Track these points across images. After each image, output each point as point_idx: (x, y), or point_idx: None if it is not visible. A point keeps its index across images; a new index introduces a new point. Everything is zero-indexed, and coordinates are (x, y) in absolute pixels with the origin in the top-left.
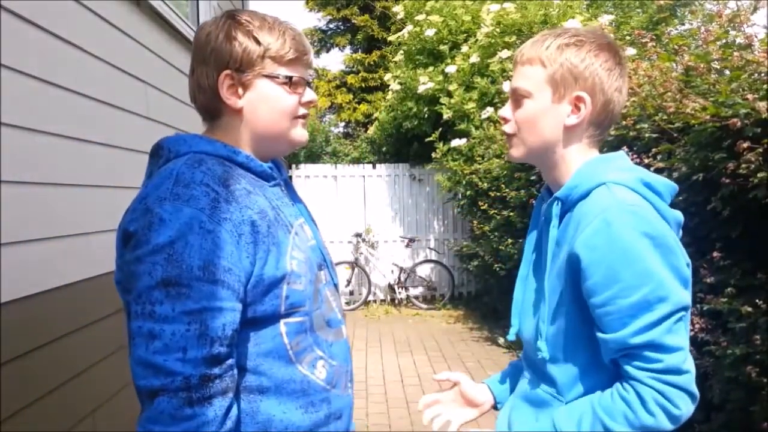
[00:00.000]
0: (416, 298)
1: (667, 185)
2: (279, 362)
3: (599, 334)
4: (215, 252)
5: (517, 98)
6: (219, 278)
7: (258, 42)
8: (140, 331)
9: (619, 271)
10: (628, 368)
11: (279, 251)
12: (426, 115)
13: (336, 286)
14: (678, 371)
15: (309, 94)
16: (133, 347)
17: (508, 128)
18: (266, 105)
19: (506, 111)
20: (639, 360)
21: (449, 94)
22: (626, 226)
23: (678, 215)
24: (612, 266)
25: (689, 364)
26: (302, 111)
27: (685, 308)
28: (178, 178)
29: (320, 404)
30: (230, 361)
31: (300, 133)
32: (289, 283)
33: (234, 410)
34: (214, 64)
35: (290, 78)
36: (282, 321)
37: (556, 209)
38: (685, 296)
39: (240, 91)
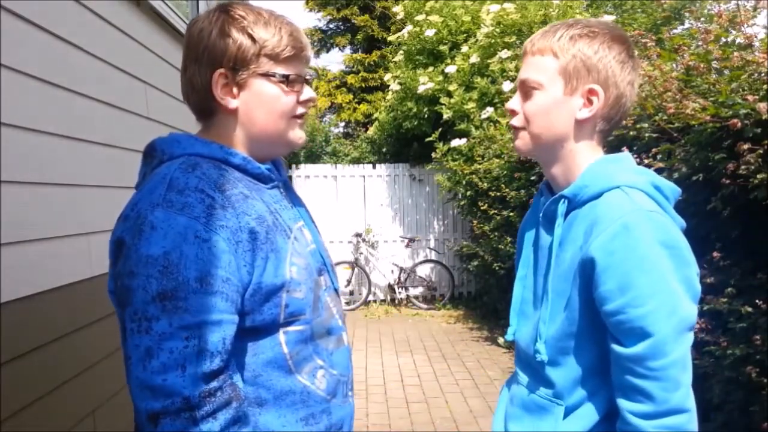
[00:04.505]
0: (416, 298)
1: (672, 189)
2: (278, 372)
3: (615, 347)
4: (212, 262)
5: (527, 90)
6: (217, 289)
7: (253, 39)
8: (137, 350)
9: (635, 277)
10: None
11: (278, 258)
12: (426, 115)
13: (336, 290)
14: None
15: (307, 92)
16: (130, 366)
17: (516, 121)
18: (262, 105)
19: (514, 103)
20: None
21: (449, 94)
22: (645, 233)
23: (681, 221)
24: (628, 273)
25: (691, 402)
26: (300, 110)
27: (690, 327)
28: (171, 184)
29: (321, 416)
30: (229, 371)
31: (298, 135)
32: (289, 291)
33: (242, 418)
34: (207, 63)
35: (287, 76)
36: (281, 330)
37: (561, 207)
38: (693, 311)
39: (235, 90)
